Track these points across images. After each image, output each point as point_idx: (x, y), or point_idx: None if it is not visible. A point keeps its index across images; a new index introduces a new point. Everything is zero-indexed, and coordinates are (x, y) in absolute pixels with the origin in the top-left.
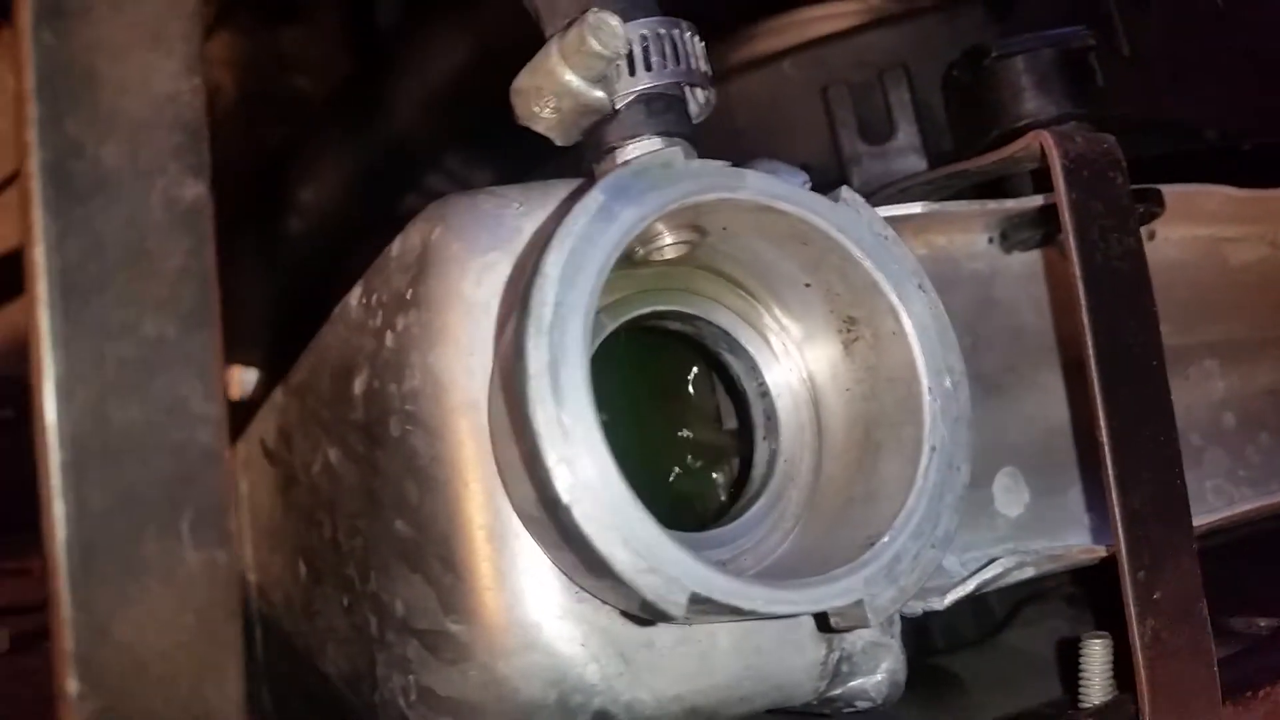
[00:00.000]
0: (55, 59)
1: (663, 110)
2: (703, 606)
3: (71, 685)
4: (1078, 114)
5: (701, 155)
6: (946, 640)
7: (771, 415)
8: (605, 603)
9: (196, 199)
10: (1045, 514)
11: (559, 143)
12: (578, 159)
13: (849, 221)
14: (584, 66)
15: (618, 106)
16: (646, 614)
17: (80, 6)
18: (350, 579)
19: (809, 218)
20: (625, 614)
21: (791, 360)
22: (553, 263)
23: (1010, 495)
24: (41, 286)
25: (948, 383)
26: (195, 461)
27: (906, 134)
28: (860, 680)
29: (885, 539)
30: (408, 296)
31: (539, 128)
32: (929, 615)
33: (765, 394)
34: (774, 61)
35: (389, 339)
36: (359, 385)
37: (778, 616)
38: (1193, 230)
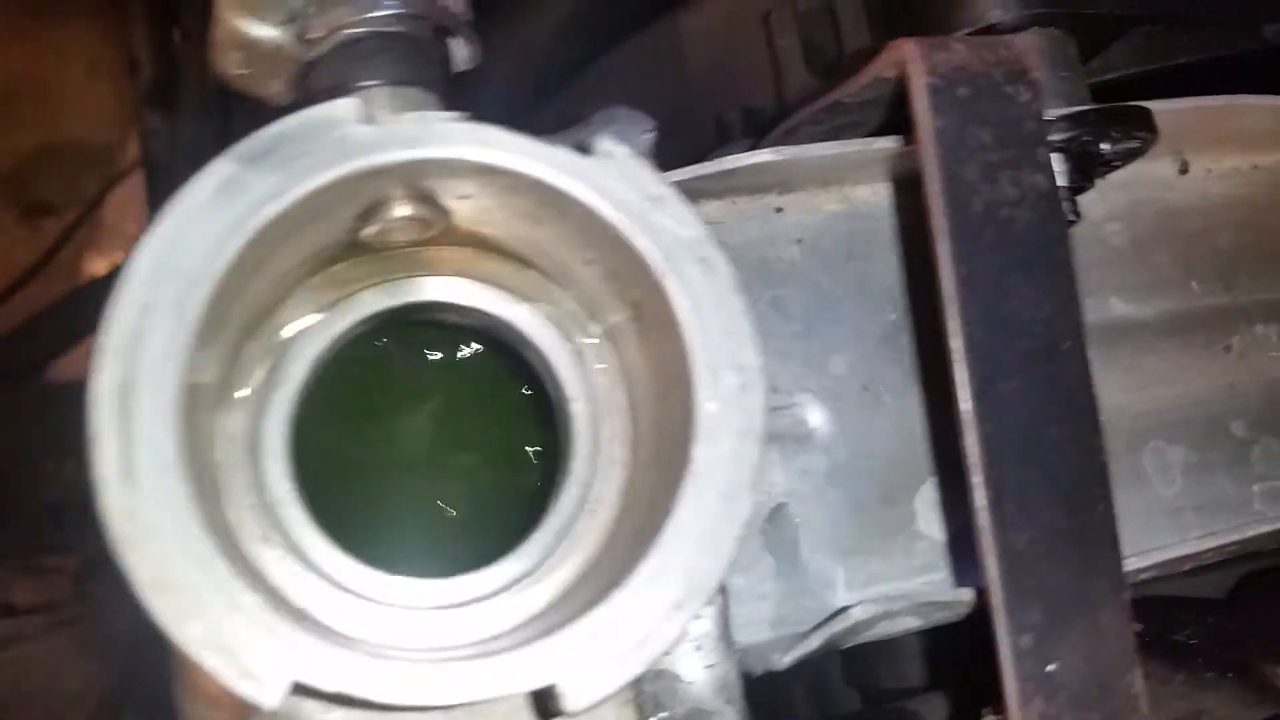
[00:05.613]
0: None
1: (374, 53)
2: (318, 697)
3: None
4: (1049, 13)
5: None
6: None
7: (567, 427)
8: None
9: None
10: None
11: (273, 102)
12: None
13: (606, 181)
14: (252, 3)
15: (316, 53)
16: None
17: None
18: None
19: (541, 176)
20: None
21: (603, 358)
22: (145, 254)
23: (938, 512)
24: None
25: (731, 382)
26: None
27: None
28: None
29: (602, 604)
30: None
31: (241, 87)
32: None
33: (563, 400)
34: None
35: None
36: None
37: (424, 709)
38: (1250, 158)
